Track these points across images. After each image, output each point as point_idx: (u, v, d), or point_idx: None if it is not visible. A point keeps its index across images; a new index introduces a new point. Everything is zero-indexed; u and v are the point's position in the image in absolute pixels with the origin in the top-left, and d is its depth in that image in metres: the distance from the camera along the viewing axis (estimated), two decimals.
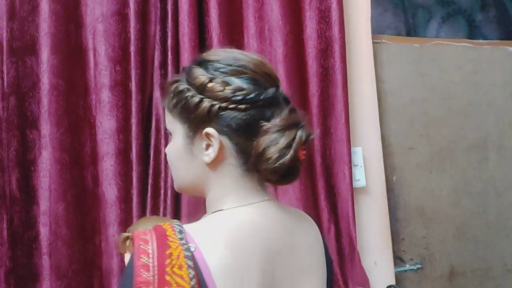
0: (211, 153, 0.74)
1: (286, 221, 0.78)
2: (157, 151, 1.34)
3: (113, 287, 1.28)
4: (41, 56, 1.27)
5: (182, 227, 0.71)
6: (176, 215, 1.33)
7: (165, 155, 0.85)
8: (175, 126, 0.78)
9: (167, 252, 0.66)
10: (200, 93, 0.74)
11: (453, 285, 1.77)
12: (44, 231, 1.24)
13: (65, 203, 1.26)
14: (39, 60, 1.27)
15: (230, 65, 0.75)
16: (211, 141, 0.74)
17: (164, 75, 1.36)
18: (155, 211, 1.32)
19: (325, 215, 1.46)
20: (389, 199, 1.63)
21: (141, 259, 0.66)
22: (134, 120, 1.31)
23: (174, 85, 0.77)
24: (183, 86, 0.76)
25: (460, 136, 1.82)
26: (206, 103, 0.73)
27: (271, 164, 0.72)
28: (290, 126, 0.74)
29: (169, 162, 0.83)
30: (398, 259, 1.68)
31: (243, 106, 0.73)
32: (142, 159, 1.32)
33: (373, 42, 1.65)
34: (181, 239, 0.68)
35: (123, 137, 1.31)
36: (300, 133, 0.75)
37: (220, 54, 0.78)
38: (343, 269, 1.46)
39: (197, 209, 1.33)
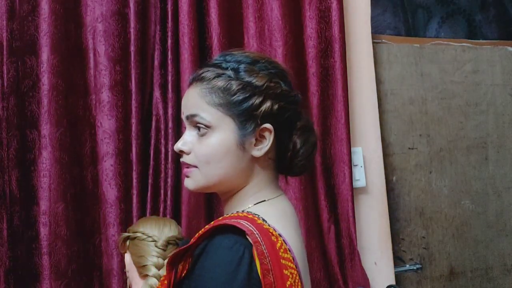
0: (264, 147, 0.80)
1: (295, 214, 0.88)
2: (157, 151, 1.34)
3: (113, 287, 1.28)
4: (41, 56, 1.27)
5: (258, 218, 0.78)
6: (176, 215, 1.33)
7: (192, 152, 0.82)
8: (223, 122, 0.79)
9: (277, 246, 0.74)
10: (261, 92, 0.80)
11: (453, 285, 1.77)
12: (44, 231, 1.24)
13: (65, 203, 1.26)
14: (39, 60, 1.27)
15: (276, 68, 0.84)
16: (265, 136, 0.80)
17: (164, 75, 1.36)
18: (155, 211, 1.32)
19: (325, 215, 1.46)
20: (389, 199, 1.63)
21: (259, 248, 0.71)
22: (134, 120, 1.31)
23: (222, 81, 0.80)
24: (237, 83, 0.80)
25: (460, 136, 1.82)
26: (269, 102, 0.80)
27: (304, 159, 0.83)
28: (312, 125, 0.87)
29: (203, 158, 0.81)
30: (398, 259, 1.68)
31: (292, 106, 0.83)
32: (142, 159, 1.32)
33: (373, 42, 1.65)
34: (273, 231, 0.75)
35: (123, 137, 1.31)
36: (315, 133, 0.87)
37: (259, 55, 0.86)
38: (343, 269, 1.46)
39: (197, 209, 1.33)
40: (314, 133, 0.86)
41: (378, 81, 1.66)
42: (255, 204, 0.81)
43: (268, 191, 0.84)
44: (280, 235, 0.75)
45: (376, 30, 1.71)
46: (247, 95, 0.79)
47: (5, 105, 1.25)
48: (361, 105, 1.59)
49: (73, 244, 1.26)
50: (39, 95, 1.26)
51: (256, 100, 0.79)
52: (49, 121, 1.26)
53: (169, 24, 1.35)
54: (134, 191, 1.30)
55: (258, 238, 0.71)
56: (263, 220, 0.76)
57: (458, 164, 1.81)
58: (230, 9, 1.42)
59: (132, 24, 1.33)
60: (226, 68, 0.81)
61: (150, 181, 1.32)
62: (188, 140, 0.82)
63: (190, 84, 0.83)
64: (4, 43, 1.25)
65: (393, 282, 1.57)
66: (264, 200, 0.82)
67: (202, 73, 0.81)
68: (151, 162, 1.32)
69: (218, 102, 0.79)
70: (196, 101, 0.80)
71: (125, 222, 1.28)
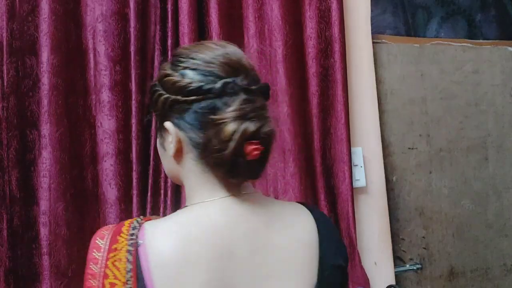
0: (172, 147, 0.75)
1: (254, 218, 0.73)
2: (157, 151, 1.34)
3: None
4: (41, 56, 1.27)
5: (139, 223, 0.73)
6: None
7: None
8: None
9: (113, 246, 0.70)
10: (161, 87, 0.76)
11: (453, 285, 1.77)
12: (44, 231, 1.24)
13: (65, 203, 1.26)
14: (39, 60, 1.27)
15: (191, 59, 0.75)
16: (170, 134, 0.75)
17: None
18: (155, 211, 1.32)
19: None
20: (389, 199, 1.63)
21: (93, 253, 0.71)
22: (134, 120, 1.31)
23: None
24: (154, 82, 0.79)
25: (460, 136, 1.82)
26: (163, 96, 0.74)
27: (214, 156, 0.71)
28: (236, 117, 0.70)
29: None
30: (398, 259, 1.68)
31: (192, 98, 0.72)
32: (142, 159, 1.32)
33: (373, 42, 1.65)
34: (131, 234, 0.71)
35: (123, 137, 1.31)
36: (245, 126, 0.69)
37: (186, 47, 0.79)
38: None
39: None
40: (230, 126, 0.69)
41: (378, 81, 1.66)
42: (181, 209, 0.77)
43: (198, 194, 0.75)
44: (130, 245, 0.69)
45: (376, 30, 1.71)
46: (151, 92, 0.78)
47: (5, 105, 1.25)
48: (361, 105, 1.59)
49: (73, 244, 1.26)
50: (39, 95, 1.26)
51: (154, 96, 0.76)
52: (49, 121, 1.25)
53: (169, 24, 1.35)
54: (134, 191, 1.30)
55: (96, 243, 0.72)
56: (134, 227, 0.72)
57: (458, 164, 1.81)
58: (230, 9, 1.42)
59: (132, 24, 1.33)
60: None
61: (150, 181, 1.32)
62: None
63: None
64: (4, 43, 1.25)
65: (393, 282, 1.57)
66: (187, 206, 0.76)
67: None
68: (151, 162, 1.32)
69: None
70: None
71: None
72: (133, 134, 1.31)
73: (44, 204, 1.24)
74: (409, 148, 1.75)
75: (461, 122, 1.83)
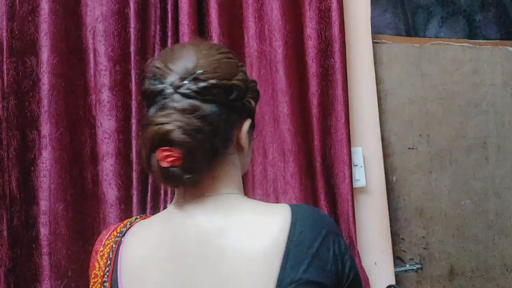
0: None
1: (207, 223, 0.70)
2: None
3: None
4: (41, 56, 1.27)
5: (132, 222, 0.79)
6: None
7: None
8: None
9: (106, 242, 0.78)
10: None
11: (453, 285, 1.77)
12: (44, 231, 1.24)
13: (65, 203, 1.26)
14: (39, 60, 1.27)
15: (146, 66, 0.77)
16: None
17: None
18: (155, 211, 1.32)
19: None
20: (389, 199, 1.63)
21: (96, 245, 0.81)
22: (134, 120, 1.31)
23: None
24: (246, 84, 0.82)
25: (460, 136, 1.82)
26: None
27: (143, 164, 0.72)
28: (144, 126, 0.71)
29: None
30: (398, 259, 1.68)
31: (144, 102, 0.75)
32: None
33: (373, 42, 1.65)
34: (120, 232, 0.78)
35: (123, 137, 1.31)
36: (152, 131, 0.68)
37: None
38: None
39: None
40: (143, 134, 0.70)
41: (378, 81, 1.65)
42: None
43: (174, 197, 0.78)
44: (114, 243, 0.77)
45: (376, 30, 1.71)
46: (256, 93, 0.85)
47: (5, 105, 1.25)
48: (361, 105, 1.59)
49: (73, 244, 1.26)
50: (39, 95, 1.26)
51: (256, 97, 0.85)
52: (49, 121, 1.26)
53: (169, 24, 1.35)
54: (134, 191, 1.30)
55: (101, 236, 0.82)
56: (126, 226, 0.80)
57: (458, 164, 1.81)
58: (230, 9, 1.42)
59: (132, 24, 1.33)
60: None
61: (150, 181, 1.32)
62: None
63: None
64: (4, 43, 1.25)
65: (393, 282, 1.57)
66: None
67: None
68: None
69: None
70: None
71: None
72: (133, 134, 1.31)
73: (44, 204, 1.25)
74: (409, 148, 1.75)
75: (461, 122, 1.83)
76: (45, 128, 1.26)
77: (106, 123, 1.31)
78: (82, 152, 1.31)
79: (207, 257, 0.68)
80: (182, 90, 0.70)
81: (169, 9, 1.35)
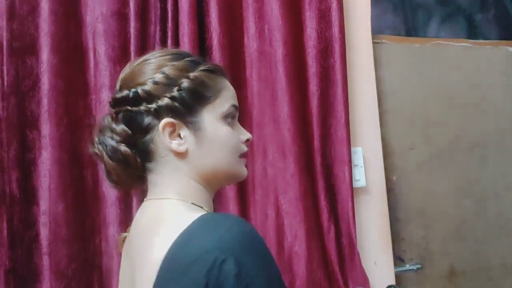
0: None
1: (136, 227, 0.79)
2: None
3: (113, 287, 1.28)
4: (41, 56, 1.27)
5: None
6: None
7: None
8: None
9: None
10: None
11: (453, 285, 1.77)
12: (44, 231, 1.24)
13: (65, 203, 1.26)
14: (39, 60, 1.27)
15: None
16: None
17: None
18: None
19: (325, 215, 1.46)
20: (389, 199, 1.63)
21: None
22: None
23: None
24: None
25: (460, 136, 1.82)
26: None
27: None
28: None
29: None
30: (398, 259, 1.68)
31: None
32: None
33: (373, 42, 1.65)
34: None
35: None
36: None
37: None
38: (343, 269, 1.46)
39: None
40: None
41: (378, 81, 1.65)
42: None
43: None
44: None
45: (376, 30, 1.71)
46: None
47: (5, 105, 1.25)
48: (361, 105, 1.59)
49: (73, 244, 1.26)
50: (39, 95, 1.26)
51: None
52: (49, 121, 1.25)
53: (169, 24, 1.35)
54: (134, 191, 1.30)
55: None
56: None
57: (458, 164, 1.81)
58: (230, 9, 1.42)
59: (132, 24, 1.33)
60: None
61: None
62: None
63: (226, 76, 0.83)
64: (4, 43, 1.25)
65: (393, 282, 1.57)
66: None
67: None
68: None
69: None
70: None
71: (125, 222, 1.28)
72: None
73: (44, 204, 1.24)
74: (409, 148, 1.75)
75: (461, 122, 1.83)
76: (45, 128, 1.25)
77: None
78: (82, 152, 1.31)
79: (130, 259, 0.77)
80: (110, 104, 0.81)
81: (169, 9, 1.35)
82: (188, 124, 0.75)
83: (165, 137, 0.74)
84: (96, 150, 0.78)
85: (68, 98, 1.29)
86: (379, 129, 1.62)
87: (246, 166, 0.82)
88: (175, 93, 0.75)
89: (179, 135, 0.75)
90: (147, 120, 0.75)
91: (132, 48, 1.32)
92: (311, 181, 1.46)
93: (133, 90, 0.76)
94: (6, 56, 1.25)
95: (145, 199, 0.80)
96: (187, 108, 0.75)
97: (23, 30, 1.27)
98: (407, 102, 1.75)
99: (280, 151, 1.42)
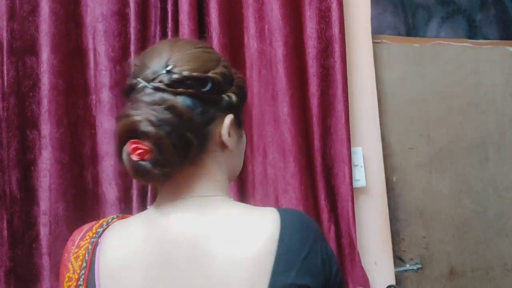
0: None
1: (193, 227, 0.69)
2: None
3: None
4: (41, 56, 1.27)
5: (108, 222, 0.76)
6: None
7: None
8: None
9: (80, 243, 0.75)
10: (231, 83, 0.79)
11: (453, 285, 1.77)
12: (44, 231, 1.24)
13: (65, 203, 1.26)
14: (39, 60, 1.27)
15: None
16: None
17: None
18: None
19: (325, 215, 1.46)
20: (389, 199, 1.63)
21: (68, 245, 0.78)
22: None
23: None
24: (231, 77, 0.80)
25: (460, 136, 1.82)
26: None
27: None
28: (116, 119, 0.72)
29: None
30: (398, 259, 1.68)
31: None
32: None
33: (373, 42, 1.65)
34: (97, 233, 0.75)
35: None
36: (121, 124, 0.69)
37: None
38: (343, 269, 1.46)
39: None
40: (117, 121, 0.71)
41: (378, 81, 1.65)
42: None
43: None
44: (90, 244, 0.74)
45: (376, 30, 1.71)
46: (241, 89, 0.82)
47: (5, 105, 1.25)
48: (361, 105, 1.59)
49: None
50: (39, 95, 1.26)
51: (242, 92, 0.82)
52: (49, 121, 1.26)
53: (169, 24, 1.35)
54: (134, 191, 1.30)
55: (72, 237, 0.78)
56: (102, 226, 0.76)
57: (458, 164, 1.81)
58: (230, 9, 1.42)
59: (132, 24, 1.33)
60: None
61: None
62: None
63: None
64: (4, 43, 1.25)
65: (393, 282, 1.57)
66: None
67: None
68: None
69: None
70: None
71: None
72: None
73: (44, 204, 1.24)
74: (409, 148, 1.75)
75: (461, 122, 1.83)
76: (45, 128, 1.26)
77: (106, 123, 1.31)
78: (82, 152, 1.31)
79: (195, 262, 0.66)
80: (154, 83, 0.69)
81: (169, 9, 1.35)
82: (237, 122, 0.77)
83: (228, 133, 0.74)
84: (151, 128, 0.66)
85: (68, 98, 1.29)
86: (379, 129, 1.62)
87: None
88: (234, 89, 0.76)
89: (229, 133, 0.75)
90: (213, 111, 0.72)
91: (132, 48, 1.32)
92: (311, 181, 1.46)
93: (210, 75, 0.71)
94: (6, 56, 1.25)
95: (181, 196, 0.71)
96: (240, 107, 0.78)
97: (23, 30, 1.27)
98: (407, 102, 1.75)
99: (280, 151, 1.42)
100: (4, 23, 1.26)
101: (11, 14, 1.26)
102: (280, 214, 0.69)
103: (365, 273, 1.47)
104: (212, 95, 0.72)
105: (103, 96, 1.31)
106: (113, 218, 0.78)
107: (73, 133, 1.29)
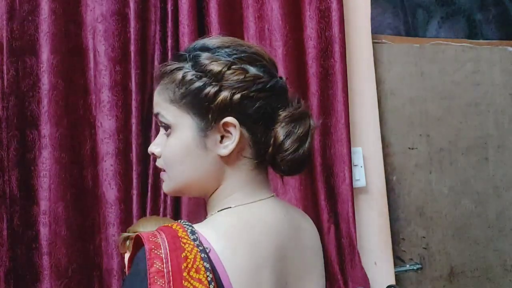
0: (230, 144, 0.70)
1: (291, 218, 0.75)
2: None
3: (113, 287, 1.28)
4: (41, 56, 1.27)
5: (193, 227, 0.67)
6: (176, 215, 1.33)
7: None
8: (181, 119, 0.71)
9: (182, 255, 0.62)
10: (217, 81, 0.69)
11: (453, 285, 1.77)
12: (44, 231, 1.24)
13: (65, 203, 1.26)
14: (39, 60, 1.27)
15: (244, 52, 0.73)
16: (230, 131, 0.70)
17: None
18: (155, 211, 1.32)
19: (325, 215, 1.46)
20: (389, 199, 1.63)
21: (154, 266, 0.61)
22: (134, 120, 1.31)
23: (179, 73, 0.71)
24: (191, 74, 0.70)
25: (460, 136, 1.82)
26: (226, 92, 0.69)
27: (290, 154, 0.71)
28: (304, 114, 0.73)
29: (166, 161, 0.74)
30: (398, 259, 1.68)
31: (263, 95, 0.71)
32: (142, 159, 1.32)
33: (373, 42, 1.65)
34: (194, 240, 0.65)
35: (123, 137, 1.31)
36: (312, 122, 0.74)
37: (225, 40, 0.77)
38: (343, 269, 1.46)
39: (197, 209, 1.33)
40: (304, 122, 0.72)
41: (378, 81, 1.65)
42: (218, 211, 0.72)
43: (242, 195, 0.72)
44: (201, 252, 0.63)
45: (376, 30, 1.71)
46: (200, 85, 0.69)
47: (5, 105, 1.25)
48: (361, 105, 1.59)
49: (73, 244, 1.26)
50: (39, 95, 1.26)
51: (211, 91, 0.69)
52: (49, 121, 1.26)
53: (169, 24, 1.35)
54: (134, 191, 1.30)
55: (155, 254, 0.62)
56: (192, 232, 0.65)
57: (458, 164, 1.81)
58: (230, 9, 1.42)
59: (132, 24, 1.33)
60: (185, 59, 0.72)
61: (150, 181, 1.32)
62: (157, 142, 0.75)
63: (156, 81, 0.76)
64: (4, 43, 1.25)
65: (393, 282, 1.57)
66: (230, 207, 0.71)
67: (161, 68, 0.74)
68: (151, 162, 1.32)
69: (174, 98, 0.71)
70: (157, 99, 0.74)
71: (125, 222, 1.28)
72: (133, 134, 1.31)
73: (44, 204, 1.24)
74: (409, 148, 1.75)
75: (461, 122, 1.83)
76: (45, 128, 1.26)
77: (106, 123, 1.31)
78: (82, 152, 1.31)
79: (299, 253, 0.75)
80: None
81: (169, 9, 1.35)
82: None
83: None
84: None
85: (68, 98, 1.29)
86: (379, 129, 1.62)
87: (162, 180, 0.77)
88: None
89: None
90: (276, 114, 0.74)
91: (132, 48, 1.32)
92: (311, 181, 1.46)
93: (280, 78, 0.76)
94: (6, 56, 1.25)
95: (271, 195, 0.77)
96: None
97: (23, 30, 1.27)
98: (407, 102, 1.75)
99: None
100: (4, 23, 1.25)
101: (11, 14, 1.26)
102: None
103: (365, 273, 1.47)
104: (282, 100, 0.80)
105: (103, 96, 1.31)
106: (189, 224, 0.69)
107: (73, 133, 1.29)
